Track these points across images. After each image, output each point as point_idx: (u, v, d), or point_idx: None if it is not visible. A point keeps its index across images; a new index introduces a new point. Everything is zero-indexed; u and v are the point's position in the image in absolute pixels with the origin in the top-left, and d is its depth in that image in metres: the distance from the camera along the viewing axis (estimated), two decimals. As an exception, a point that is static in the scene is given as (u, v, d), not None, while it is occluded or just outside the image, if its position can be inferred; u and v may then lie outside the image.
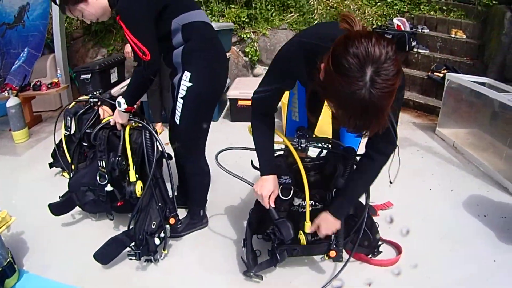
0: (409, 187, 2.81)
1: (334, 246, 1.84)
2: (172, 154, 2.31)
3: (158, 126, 4.04)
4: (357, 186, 1.75)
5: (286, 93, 1.97)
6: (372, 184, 1.75)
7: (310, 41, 1.50)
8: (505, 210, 2.59)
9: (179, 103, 2.02)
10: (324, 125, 2.18)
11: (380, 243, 2.05)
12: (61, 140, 2.98)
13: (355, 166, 1.79)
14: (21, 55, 4.76)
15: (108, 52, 5.72)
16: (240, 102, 4.30)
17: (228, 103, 4.51)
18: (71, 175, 2.43)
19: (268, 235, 1.93)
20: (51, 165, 3.15)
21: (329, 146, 2.03)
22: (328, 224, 1.75)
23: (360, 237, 1.89)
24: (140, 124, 2.15)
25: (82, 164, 2.49)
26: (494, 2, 5.03)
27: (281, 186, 1.83)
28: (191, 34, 1.97)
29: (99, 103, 2.77)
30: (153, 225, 2.05)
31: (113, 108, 2.33)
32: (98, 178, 2.20)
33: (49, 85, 4.25)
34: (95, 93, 2.93)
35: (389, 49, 1.08)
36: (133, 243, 2.01)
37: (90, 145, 2.67)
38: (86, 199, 2.32)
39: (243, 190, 2.75)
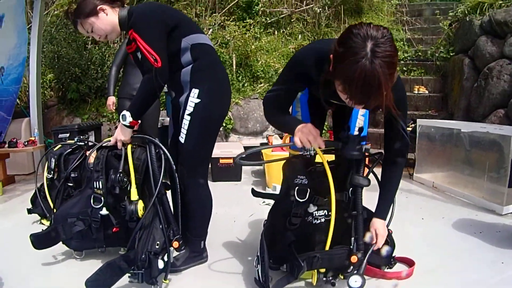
0: (401, 218, 2.79)
1: (355, 250, 1.79)
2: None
3: None
4: (392, 188, 1.88)
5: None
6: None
7: (320, 45, 1.67)
8: (497, 226, 2.75)
9: (186, 120, 2.01)
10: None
11: (393, 262, 2.04)
12: (42, 184, 2.85)
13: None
14: (-8, 118, 4.68)
15: (82, 120, 5.68)
16: (221, 161, 4.28)
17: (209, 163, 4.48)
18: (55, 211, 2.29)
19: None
20: (29, 211, 2.96)
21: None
22: (382, 226, 1.83)
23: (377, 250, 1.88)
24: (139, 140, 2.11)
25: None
26: (451, 54, 5.54)
27: (297, 187, 1.80)
28: (200, 54, 2.03)
29: (85, 147, 2.75)
30: (157, 245, 1.91)
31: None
32: (92, 202, 2.08)
33: (26, 143, 4.12)
34: (81, 137, 2.91)
35: (385, 31, 1.31)
36: (133, 268, 1.85)
37: (75, 186, 2.60)
38: (73, 230, 2.14)
39: (243, 223, 2.74)
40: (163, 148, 2.00)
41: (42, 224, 2.91)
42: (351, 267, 1.83)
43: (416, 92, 5.60)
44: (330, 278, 1.85)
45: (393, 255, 2.02)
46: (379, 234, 1.81)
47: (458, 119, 4.69)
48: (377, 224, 1.83)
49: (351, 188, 1.84)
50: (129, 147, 2.06)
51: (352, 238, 1.81)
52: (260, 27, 6.96)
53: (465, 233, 2.64)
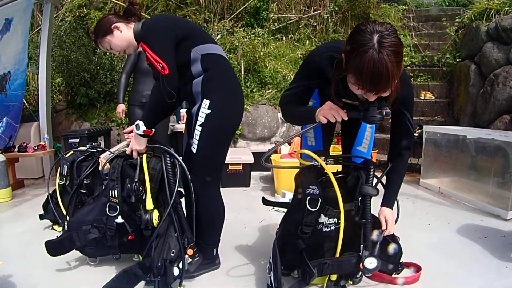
0: (408, 224, 2.88)
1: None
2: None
3: None
4: (398, 179, 1.96)
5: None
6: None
7: (333, 44, 1.81)
8: (502, 230, 2.80)
9: (197, 130, 2.04)
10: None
11: (400, 268, 2.08)
12: (54, 191, 2.90)
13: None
14: (0, 124, 4.74)
15: (92, 125, 5.74)
16: (230, 167, 4.32)
17: None
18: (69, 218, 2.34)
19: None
20: (41, 217, 3.00)
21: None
22: (390, 214, 1.92)
23: (384, 249, 1.93)
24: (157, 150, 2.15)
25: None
26: (457, 60, 5.56)
27: (308, 197, 1.84)
28: (210, 64, 2.07)
29: (97, 154, 2.80)
30: (172, 253, 1.95)
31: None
32: (107, 210, 2.13)
33: (36, 148, 4.18)
34: (93, 143, 2.96)
35: (389, 26, 1.44)
36: (149, 276, 1.89)
37: (88, 193, 2.65)
38: (88, 238, 2.18)
39: (253, 229, 2.77)
40: (178, 157, 2.04)
41: (54, 230, 2.96)
42: (360, 273, 1.89)
43: (422, 98, 5.63)
44: (340, 285, 1.91)
45: (400, 260, 2.06)
46: (388, 220, 1.90)
47: (464, 125, 4.74)
48: (385, 212, 1.92)
49: (360, 198, 1.88)
50: (144, 156, 2.10)
51: (362, 246, 1.85)
52: (268, 33, 7.01)
53: (471, 238, 2.68)
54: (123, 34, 2.13)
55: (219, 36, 6.54)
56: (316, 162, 1.90)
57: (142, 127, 2.03)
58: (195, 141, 2.05)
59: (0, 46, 5.06)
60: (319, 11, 7.24)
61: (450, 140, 3.85)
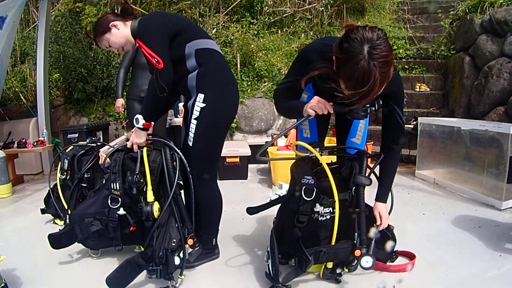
0: (403, 214, 2.95)
1: (359, 245, 1.89)
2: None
3: None
4: (390, 173, 2.04)
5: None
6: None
7: (325, 41, 1.83)
8: (496, 220, 2.86)
9: (193, 124, 2.09)
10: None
11: (394, 256, 2.15)
12: (55, 185, 2.94)
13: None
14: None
15: (89, 120, 5.76)
16: (228, 160, 4.36)
17: None
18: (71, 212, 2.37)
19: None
20: (43, 211, 3.05)
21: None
22: (383, 208, 2.01)
23: (380, 238, 1.99)
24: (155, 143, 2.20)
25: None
26: (452, 52, 5.61)
27: (304, 187, 1.90)
28: (204, 59, 2.11)
29: (97, 148, 2.84)
30: (173, 243, 2.01)
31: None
32: (109, 202, 2.18)
33: (35, 143, 4.21)
34: (92, 138, 3.00)
35: (380, 32, 1.48)
36: (151, 265, 1.95)
37: (89, 186, 2.70)
38: (90, 230, 2.23)
39: (251, 220, 2.82)
40: (178, 151, 2.09)
41: (56, 224, 3.00)
42: (355, 260, 1.94)
43: (417, 89, 5.67)
44: (336, 272, 1.99)
45: (395, 249, 2.13)
46: (382, 215, 1.98)
47: (458, 117, 4.79)
48: (380, 207, 2.00)
49: (354, 187, 1.94)
50: (144, 150, 2.15)
51: (356, 234, 1.92)
52: (263, 26, 7.04)
53: (465, 227, 2.74)
54: (121, 32, 2.19)
55: (214, 30, 6.55)
56: (311, 153, 1.96)
57: (142, 121, 2.08)
58: (191, 135, 2.11)
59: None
60: (314, 4, 7.26)
61: (445, 131, 3.91)
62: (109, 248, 2.36)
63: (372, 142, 4.67)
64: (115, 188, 2.16)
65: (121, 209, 2.16)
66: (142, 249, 2.24)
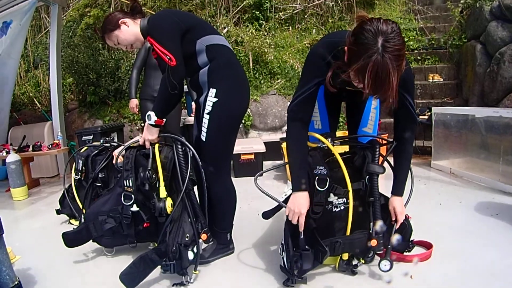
0: (420, 204, 2.89)
1: (375, 235, 1.87)
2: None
3: None
4: (404, 165, 1.97)
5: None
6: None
7: (332, 39, 1.81)
8: None
9: (205, 119, 2.09)
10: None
11: (411, 245, 2.12)
12: (70, 186, 2.97)
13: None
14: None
15: (104, 122, 5.81)
16: (243, 157, 4.37)
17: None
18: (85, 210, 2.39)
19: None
20: (58, 212, 3.09)
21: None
22: (399, 203, 1.93)
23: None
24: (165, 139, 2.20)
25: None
26: (464, 41, 5.54)
27: (317, 177, 1.87)
28: (215, 54, 2.12)
29: (111, 148, 2.86)
30: (187, 238, 2.01)
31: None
32: (122, 199, 2.19)
33: (50, 146, 4.26)
34: (106, 138, 3.02)
35: (394, 25, 1.46)
36: (164, 260, 1.95)
37: (103, 186, 2.71)
38: (104, 228, 2.24)
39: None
40: (189, 146, 2.09)
41: (71, 224, 3.04)
42: (371, 251, 1.92)
43: (431, 80, 5.59)
44: (352, 264, 1.96)
45: (412, 239, 2.09)
46: (397, 212, 1.92)
47: (473, 105, 4.73)
48: (395, 202, 1.93)
49: (367, 176, 1.91)
50: (156, 146, 2.15)
51: (371, 223, 1.89)
52: (274, 24, 7.02)
53: (482, 215, 2.69)
54: (130, 29, 2.20)
55: (225, 30, 6.56)
56: (323, 144, 1.94)
57: (154, 117, 2.08)
58: (204, 129, 2.11)
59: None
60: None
61: (459, 120, 3.85)
62: (123, 246, 2.37)
63: (387, 134, 4.62)
64: (128, 185, 2.16)
65: (135, 205, 2.16)
66: (156, 245, 2.24)
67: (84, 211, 2.57)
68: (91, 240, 2.31)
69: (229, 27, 6.58)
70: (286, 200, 2.08)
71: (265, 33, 6.57)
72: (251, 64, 6.11)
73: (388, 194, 2.00)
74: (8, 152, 4.00)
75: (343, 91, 1.95)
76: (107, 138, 3.04)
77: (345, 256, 1.94)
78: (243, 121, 5.67)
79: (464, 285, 1.83)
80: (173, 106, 2.16)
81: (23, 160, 4.04)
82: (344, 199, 1.91)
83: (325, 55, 1.75)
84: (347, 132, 2.38)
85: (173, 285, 1.97)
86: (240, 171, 4.41)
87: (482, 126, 3.54)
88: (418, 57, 6.10)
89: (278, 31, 6.98)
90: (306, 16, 7.22)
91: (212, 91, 2.08)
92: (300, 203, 1.80)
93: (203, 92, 2.15)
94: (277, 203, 2.01)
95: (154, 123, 2.09)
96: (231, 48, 2.26)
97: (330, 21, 7.12)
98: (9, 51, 4.80)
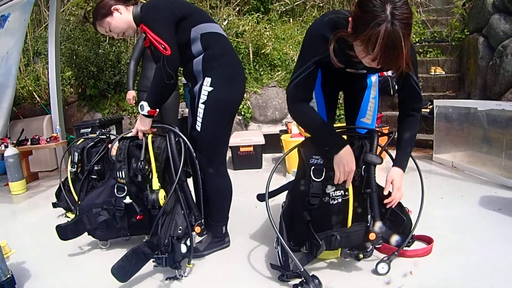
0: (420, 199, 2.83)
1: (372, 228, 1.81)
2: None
3: None
4: (409, 139, 1.89)
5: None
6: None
7: (331, 16, 1.71)
8: None
9: (200, 108, 2.05)
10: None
11: (411, 240, 2.07)
12: (66, 178, 2.94)
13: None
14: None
15: (103, 115, 5.80)
16: (242, 149, 4.32)
17: (230, 151, 4.46)
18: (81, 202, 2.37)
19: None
20: (54, 205, 3.06)
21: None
22: (398, 177, 1.84)
23: (394, 221, 1.94)
24: (160, 130, 2.16)
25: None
26: (466, 34, 5.48)
27: (313, 167, 1.83)
28: (210, 42, 2.07)
29: (107, 140, 2.83)
30: (179, 230, 1.97)
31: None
32: (115, 191, 2.15)
33: (48, 139, 4.24)
34: (103, 130, 2.99)
35: None
36: (156, 253, 1.91)
37: (99, 178, 2.68)
38: (98, 220, 2.21)
39: (265, 208, 2.72)
40: (182, 136, 2.04)
41: (68, 217, 3.01)
42: (371, 246, 1.86)
43: (433, 73, 5.53)
44: (355, 252, 1.89)
45: (412, 233, 2.03)
46: (395, 186, 1.83)
47: (475, 98, 4.67)
48: (395, 174, 1.85)
49: (364, 166, 1.86)
50: (149, 136, 2.11)
51: (369, 216, 1.83)
52: (275, 16, 6.97)
53: (484, 210, 2.64)
54: (123, 16, 2.14)
55: (225, 22, 6.51)
56: None
57: (146, 108, 2.04)
58: (199, 119, 2.07)
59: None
60: (324, -9, 7.15)
61: (461, 113, 3.79)
62: (118, 239, 2.34)
63: (387, 127, 4.58)
64: (121, 176, 2.13)
65: (128, 197, 2.13)
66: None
67: (79, 203, 2.54)
68: (86, 233, 2.29)
69: (231, 17, 6.52)
70: (287, 185, 2.10)
71: (266, 25, 6.50)
72: (251, 56, 6.06)
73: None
74: (6, 146, 3.96)
75: (343, 76, 1.90)
76: (103, 130, 3.01)
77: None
78: (242, 114, 5.64)
79: (465, 281, 1.78)
80: (167, 96, 2.11)
81: (21, 154, 4.02)
82: (342, 191, 1.85)
83: (323, 32, 1.67)
84: (344, 123, 2.33)
85: (166, 279, 1.93)
86: (239, 163, 4.37)
87: (485, 119, 3.48)
88: (420, 50, 6.02)
89: (279, 23, 6.93)
90: (307, 8, 7.16)
91: (207, 80, 2.03)
92: (348, 160, 1.74)
93: (198, 81, 2.11)
94: (275, 188, 2.04)
95: (147, 114, 2.05)
96: (227, 37, 2.21)
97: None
98: (10, 46, 4.77)
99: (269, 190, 2.01)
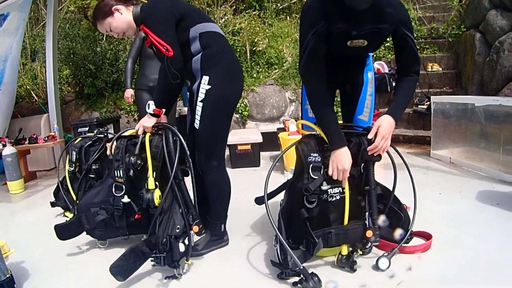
0: (419, 195, 2.81)
1: (371, 225, 1.83)
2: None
3: None
4: (404, 94, 1.93)
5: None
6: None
7: None
8: None
9: (199, 106, 2.06)
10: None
11: (409, 237, 2.06)
12: (64, 178, 2.93)
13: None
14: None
15: (101, 114, 5.78)
16: (239, 147, 4.32)
17: (228, 150, 4.42)
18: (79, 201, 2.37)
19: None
20: (52, 204, 3.05)
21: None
22: (387, 124, 1.82)
23: (392, 218, 1.94)
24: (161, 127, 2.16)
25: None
26: (463, 30, 5.49)
27: (311, 165, 1.83)
28: (208, 41, 2.09)
29: (105, 139, 2.82)
30: (177, 229, 1.97)
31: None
32: (113, 190, 2.15)
33: (46, 139, 4.23)
34: (100, 129, 2.98)
35: None
36: (154, 252, 1.90)
37: (97, 177, 2.68)
38: (96, 219, 2.21)
39: (263, 206, 2.74)
40: (179, 135, 2.04)
41: (66, 216, 3.00)
42: (369, 243, 1.87)
43: (430, 70, 5.54)
44: (351, 260, 1.88)
45: (410, 229, 2.03)
46: (379, 133, 1.82)
47: (472, 95, 4.68)
48: (383, 120, 1.84)
49: (362, 164, 1.86)
50: (147, 135, 2.11)
51: (366, 213, 1.84)
52: (271, 14, 6.96)
53: (483, 205, 2.66)
54: (124, 17, 2.15)
55: (222, 20, 6.49)
56: (316, 132, 1.90)
57: (152, 106, 2.07)
58: (198, 117, 2.08)
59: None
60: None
61: (458, 109, 3.80)
62: (117, 239, 2.33)
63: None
64: (118, 175, 2.13)
65: (126, 196, 2.13)
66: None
67: (78, 202, 2.54)
68: (84, 233, 2.28)
69: (227, 15, 6.50)
70: (284, 185, 2.10)
71: (262, 23, 6.49)
72: (248, 54, 6.06)
73: (386, 185, 1.96)
74: (4, 145, 3.95)
75: (343, 58, 1.98)
76: (100, 129, 3.01)
77: (344, 251, 1.87)
78: (240, 112, 5.64)
79: (464, 277, 1.79)
80: (173, 96, 2.20)
81: (19, 153, 4.00)
82: (340, 188, 1.85)
83: (315, 2, 1.76)
84: (341, 121, 2.33)
85: (165, 278, 1.92)
86: (237, 162, 4.36)
87: (482, 115, 3.49)
88: (417, 47, 5.97)
89: (276, 21, 6.92)
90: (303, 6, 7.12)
91: (205, 78, 2.05)
92: (343, 159, 1.76)
93: (196, 79, 2.11)
94: (272, 190, 2.03)
95: (152, 112, 2.08)
96: (224, 36, 2.22)
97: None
98: (10, 45, 4.75)
99: (268, 192, 2.01)
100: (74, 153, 2.84)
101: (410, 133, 4.92)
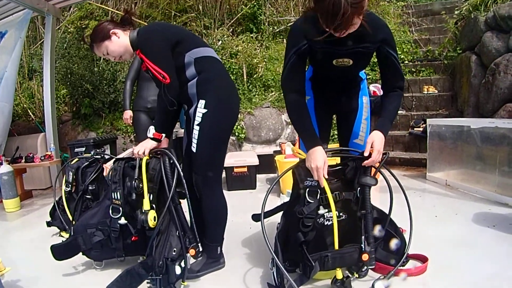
0: (415, 217, 2.81)
1: (366, 249, 1.82)
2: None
3: None
4: (391, 108, 1.99)
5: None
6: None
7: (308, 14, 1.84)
8: (511, 218, 2.76)
9: (196, 130, 2.08)
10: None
11: (405, 259, 2.05)
12: (60, 198, 2.93)
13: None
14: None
15: (98, 135, 5.78)
16: (236, 170, 4.31)
17: (224, 172, 4.39)
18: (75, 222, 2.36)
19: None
20: (48, 224, 3.03)
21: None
22: (379, 139, 1.87)
23: (387, 241, 1.95)
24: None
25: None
26: (458, 52, 5.54)
27: (308, 189, 1.84)
28: (204, 66, 2.13)
29: (102, 160, 2.83)
30: (174, 252, 1.97)
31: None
32: (111, 212, 2.15)
33: (42, 158, 4.23)
34: (97, 150, 2.99)
35: None
36: (150, 274, 1.89)
37: (93, 198, 2.68)
38: (93, 240, 2.20)
39: (259, 229, 2.72)
40: (174, 159, 2.05)
41: (62, 236, 2.97)
42: (364, 266, 1.87)
43: (425, 92, 5.60)
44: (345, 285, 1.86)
45: (406, 252, 2.03)
46: (375, 147, 1.85)
47: (468, 117, 4.71)
48: (375, 136, 1.88)
49: (359, 188, 1.87)
50: (144, 158, 2.12)
51: (362, 237, 1.85)
52: (268, 37, 7.06)
53: (479, 227, 2.66)
54: (121, 40, 2.19)
55: (220, 42, 6.57)
56: None
57: (152, 131, 2.12)
58: (194, 140, 2.09)
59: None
60: (317, 12, 7.23)
61: (454, 132, 3.83)
62: (113, 260, 2.32)
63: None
64: (116, 197, 2.14)
65: (122, 218, 2.13)
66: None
67: (74, 223, 2.53)
68: (80, 253, 2.27)
69: (224, 38, 6.58)
70: (282, 206, 2.14)
71: (259, 46, 6.57)
72: (245, 77, 6.11)
73: (382, 208, 1.96)
74: (0, 163, 3.95)
75: (334, 77, 2.05)
76: (98, 150, 3.02)
77: (339, 275, 1.86)
78: (236, 134, 5.65)
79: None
80: (172, 122, 2.23)
81: (15, 172, 3.99)
82: (336, 212, 1.86)
83: (298, 24, 1.89)
84: (337, 144, 2.36)
85: (161, 300, 1.92)
86: (233, 184, 4.35)
87: (478, 137, 3.52)
88: (413, 69, 6.11)
89: (272, 44, 7.01)
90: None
91: (202, 102, 2.08)
92: (315, 157, 1.81)
93: (193, 103, 2.14)
94: (270, 209, 2.07)
95: (152, 136, 2.12)
96: (220, 60, 2.27)
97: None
98: (7, 63, 4.76)
99: (264, 211, 2.01)
100: (70, 173, 2.84)
101: (406, 156, 4.93)
